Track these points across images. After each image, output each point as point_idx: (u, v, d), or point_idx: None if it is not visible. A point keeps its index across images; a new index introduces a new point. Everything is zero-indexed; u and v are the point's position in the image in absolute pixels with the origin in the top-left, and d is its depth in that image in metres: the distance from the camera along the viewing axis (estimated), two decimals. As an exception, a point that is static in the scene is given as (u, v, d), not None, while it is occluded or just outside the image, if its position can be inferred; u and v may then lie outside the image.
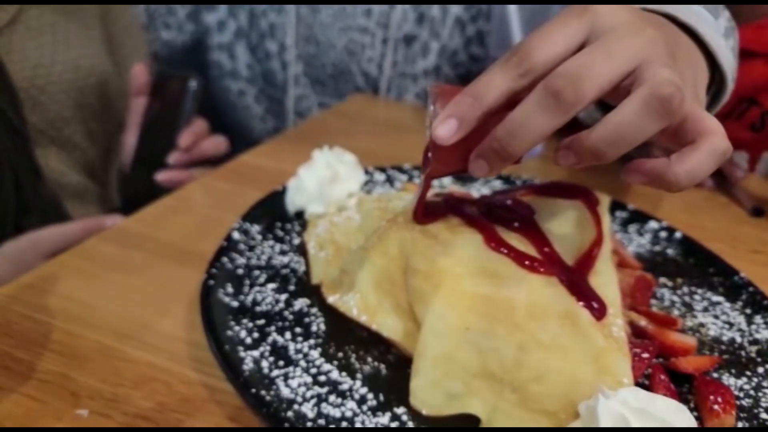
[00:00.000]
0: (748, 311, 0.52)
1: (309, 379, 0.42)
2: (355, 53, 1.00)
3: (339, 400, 0.41)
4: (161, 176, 0.83)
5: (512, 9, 0.78)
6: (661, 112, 0.35)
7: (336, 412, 0.40)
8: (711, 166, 0.38)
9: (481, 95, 0.38)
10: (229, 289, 0.50)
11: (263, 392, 0.40)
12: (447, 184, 0.67)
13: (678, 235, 0.61)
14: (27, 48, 0.80)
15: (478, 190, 0.67)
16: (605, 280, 0.46)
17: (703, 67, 0.50)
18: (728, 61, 0.52)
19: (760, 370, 0.46)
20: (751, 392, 0.44)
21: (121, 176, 0.89)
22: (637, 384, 0.40)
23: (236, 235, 0.56)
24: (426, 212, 0.47)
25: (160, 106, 0.84)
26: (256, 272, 0.53)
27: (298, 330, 0.47)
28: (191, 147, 0.84)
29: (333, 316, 0.48)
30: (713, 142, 0.37)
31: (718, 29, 0.53)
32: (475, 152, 0.40)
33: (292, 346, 0.45)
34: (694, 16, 0.50)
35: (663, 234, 0.61)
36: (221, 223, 0.60)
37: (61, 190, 0.86)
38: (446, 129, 0.38)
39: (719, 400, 0.41)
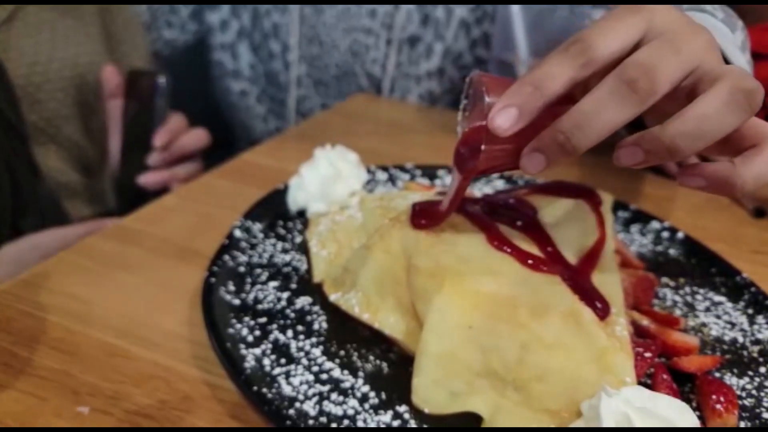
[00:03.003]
0: (750, 311, 0.51)
1: (311, 377, 0.42)
2: (358, 54, 1.00)
3: (341, 398, 0.41)
4: (143, 179, 0.82)
5: (515, 10, 0.78)
6: (744, 106, 0.34)
7: (338, 410, 0.40)
8: None
9: (543, 84, 0.36)
10: (231, 287, 0.50)
11: (265, 390, 0.40)
12: (449, 183, 0.67)
13: (680, 235, 0.61)
14: (24, 45, 0.79)
15: (480, 189, 0.67)
16: (608, 280, 0.46)
17: None
18: None
19: (762, 370, 0.46)
20: (754, 392, 0.44)
21: (113, 180, 0.89)
22: (640, 383, 0.40)
23: (238, 233, 0.56)
24: (426, 214, 0.46)
25: (136, 105, 0.84)
26: (258, 270, 0.53)
27: (299, 328, 0.47)
28: (168, 145, 0.83)
29: (335, 314, 0.48)
30: None
31: (735, 43, 0.52)
32: (531, 146, 0.37)
33: (293, 344, 0.45)
34: (716, 32, 0.50)
35: (665, 234, 0.61)
36: (222, 221, 0.59)
37: (60, 188, 0.85)
38: (506, 118, 0.36)
39: (721, 399, 0.41)
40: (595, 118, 0.35)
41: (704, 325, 0.50)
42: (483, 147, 0.38)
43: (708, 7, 0.58)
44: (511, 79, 0.38)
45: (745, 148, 0.37)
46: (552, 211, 0.50)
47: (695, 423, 0.36)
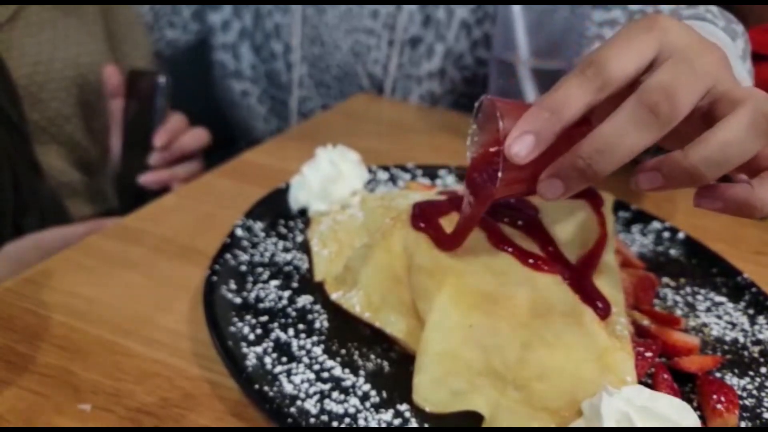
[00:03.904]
0: (750, 312, 0.52)
1: (312, 376, 0.42)
2: (360, 55, 1.00)
3: (342, 397, 0.41)
4: (143, 179, 0.83)
5: (516, 10, 0.78)
6: (767, 131, 0.34)
7: (339, 409, 0.40)
8: None
9: (560, 109, 0.35)
10: (233, 285, 0.50)
11: (266, 388, 0.40)
12: (450, 183, 0.67)
13: (681, 235, 0.61)
14: (26, 44, 0.80)
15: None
16: (609, 280, 0.46)
17: None
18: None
19: (763, 370, 0.46)
20: (754, 392, 0.44)
21: (114, 179, 0.89)
22: (640, 383, 0.40)
23: (239, 232, 0.56)
24: (429, 214, 0.46)
25: (136, 105, 0.84)
26: (260, 269, 0.53)
27: (301, 327, 0.47)
28: (169, 145, 0.84)
29: (336, 313, 0.48)
30: None
31: (736, 53, 0.52)
32: (549, 171, 0.37)
33: (295, 343, 0.45)
34: (719, 42, 0.50)
35: (666, 234, 0.61)
36: (223, 220, 0.60)
37: (61, 188, 0.85)
38: (523, 145, 0.35)
39: (722, 399, 0.41)
40: (617, 143, 0.34)
41: (705, 325, 0.50)
42: (500, 174, 0.37)
43: (709, 14, 0.57)
44: (524, 103, 0.38)
45: (762, 169, 0.36)
46: (553, 211, 0.50)
47: (696, 423, 0.36)
